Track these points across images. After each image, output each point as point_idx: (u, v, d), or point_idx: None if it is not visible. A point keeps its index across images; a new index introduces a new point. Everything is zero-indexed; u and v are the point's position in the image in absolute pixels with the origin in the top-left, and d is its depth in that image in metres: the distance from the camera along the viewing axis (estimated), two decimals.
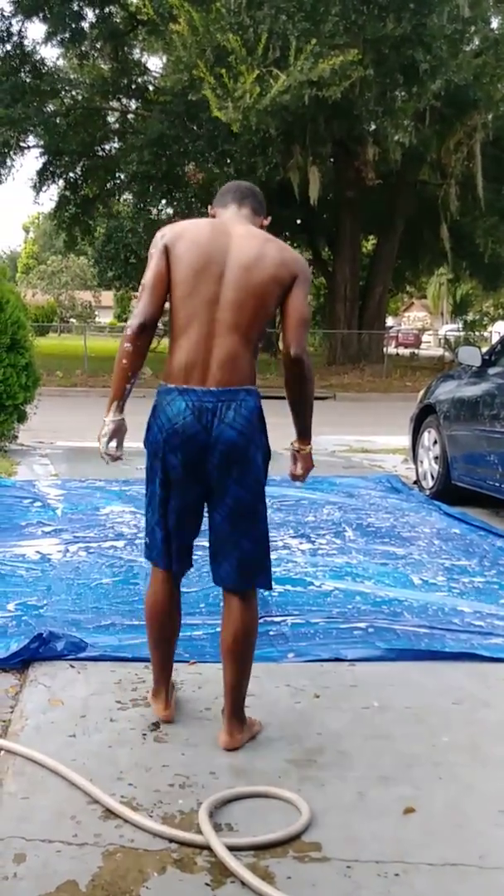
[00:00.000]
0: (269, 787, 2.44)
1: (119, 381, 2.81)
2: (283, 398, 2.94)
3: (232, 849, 2.11)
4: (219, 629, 3.66)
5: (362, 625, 3.78)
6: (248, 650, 2.74)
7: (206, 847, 2.14)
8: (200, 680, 3.19)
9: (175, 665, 2.99)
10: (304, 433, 2.95)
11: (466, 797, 2.46)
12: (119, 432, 2.86)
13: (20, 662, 3.26)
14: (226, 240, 2.71)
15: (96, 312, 58.75)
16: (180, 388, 2.69)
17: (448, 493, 6.78)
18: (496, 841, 2.24)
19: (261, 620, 3.77)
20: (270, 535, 5.75)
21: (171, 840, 2.18)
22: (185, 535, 2.80)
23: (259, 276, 2.66)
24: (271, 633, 3.66)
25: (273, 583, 2.85)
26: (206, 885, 2.01)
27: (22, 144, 23.95)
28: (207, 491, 2.71)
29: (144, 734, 2.77)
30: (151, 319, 2.77)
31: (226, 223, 2.80)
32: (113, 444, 2.83)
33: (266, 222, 2.91)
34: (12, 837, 2.16)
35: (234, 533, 2.69)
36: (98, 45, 24.44)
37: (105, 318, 61.38)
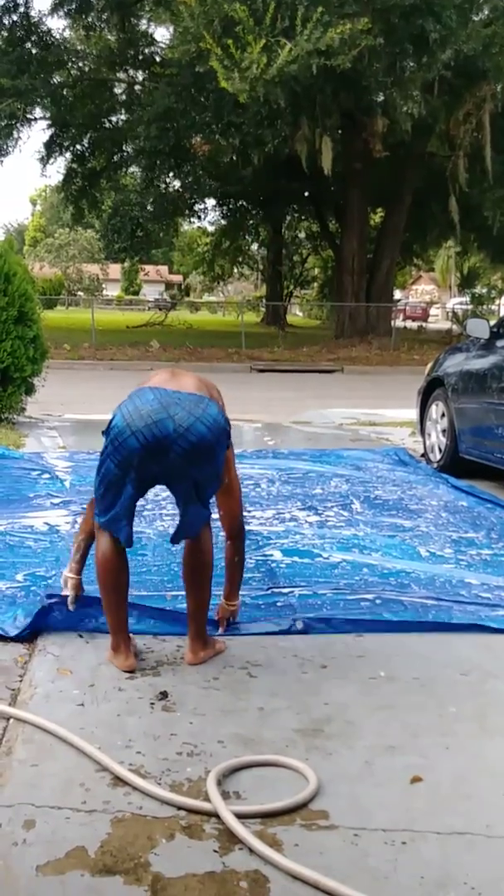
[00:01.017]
0: (276, 756, 2.45)
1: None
2: (291, 371, 2.92)
3: (240, 816, 2.13)
4: (217, 600, 3.72)
5: (370, 596, 3.78)
6: (204, 579, 3.09)
7: (214, 814, 2.15)
8: None
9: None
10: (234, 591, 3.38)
11: (473, 767, 2.47)
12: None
13: (29, 632, 3.27)
14: None
15: (104, 285, 58.61)
16: None
17: (456, 465, 6.77)
18: (503, 810, 2.24)
19: (268, 591, 3.81)
20: (279, 507, 5.81)
21: (179, 807, 2.19)
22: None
23: None
24: (279, 604, 3.67)
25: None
26: (214, 851, 2.02)
27: (28, 116, 23.75)
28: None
29: (152, 703, 2.78)
30: None
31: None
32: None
33: None
34: (22, 804, 2.18)
35: None
36: (105, 16, 24.16)
37: (112, 291, 61.26)
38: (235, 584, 3.37)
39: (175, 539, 3.10)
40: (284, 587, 3.87)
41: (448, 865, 2.01)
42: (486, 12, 19.19)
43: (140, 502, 5.47)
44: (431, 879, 1.95)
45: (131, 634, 3.14)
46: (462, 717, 2.77)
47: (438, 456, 7.11)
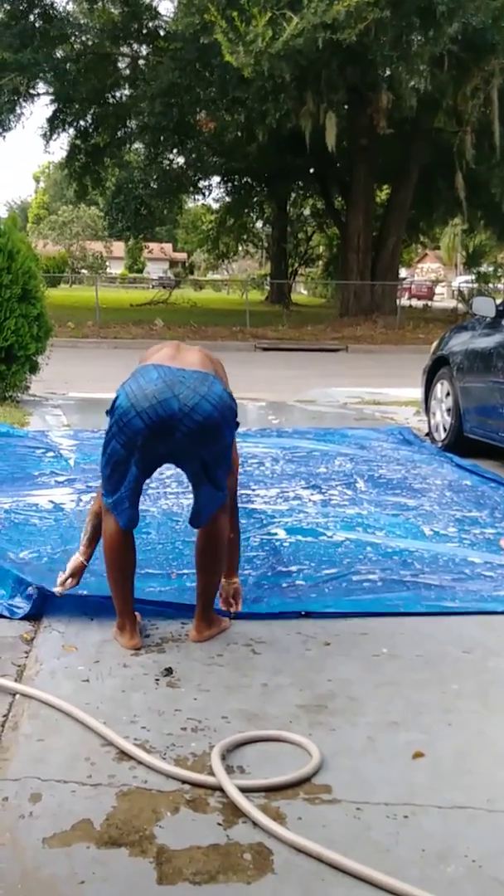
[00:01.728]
0: (280, 731, 2.48)
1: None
2: (296, 350, 2.91)
3: (244, 790, 2.15)
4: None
5: (373, 576, 3.80)
6: (216, 562, 3.10)
7: (219, 788, 2.17)
8: None
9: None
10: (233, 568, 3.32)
11: (475, 743, 2.49)
12: None
13: (34, 608, 3.29)
14: None
15: (107, 263, 58.39)
16: None
17: (460, 444, 6.77)
18: None
19: (271, 572, 3.83)
20: (283, 486, 5.80)
21: (183, 781, 2.21)
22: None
23: None
24: (283, 584, 3.69)
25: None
26: (219, 824, 2.05)
27: (31, 91, 23.58)
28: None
29: (157, 679, 2.80)
30: None
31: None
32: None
33: None
34: (28, 778, 2.20)
35: None
36: None
37: (116, 269, 61.05)
38: (234, 562, 3.35)
39: (193, 523, 3.08)
40: (288, 567, 3.89)
41: (449, 839, 2.03)
42: None
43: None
44: (432, 852, 1.97)
45: (137, 613, 3.15)
46: (464, 694, 2.79)
47: (443, 435, 7.11)
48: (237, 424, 3.00)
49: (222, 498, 3.03)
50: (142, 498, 5.00)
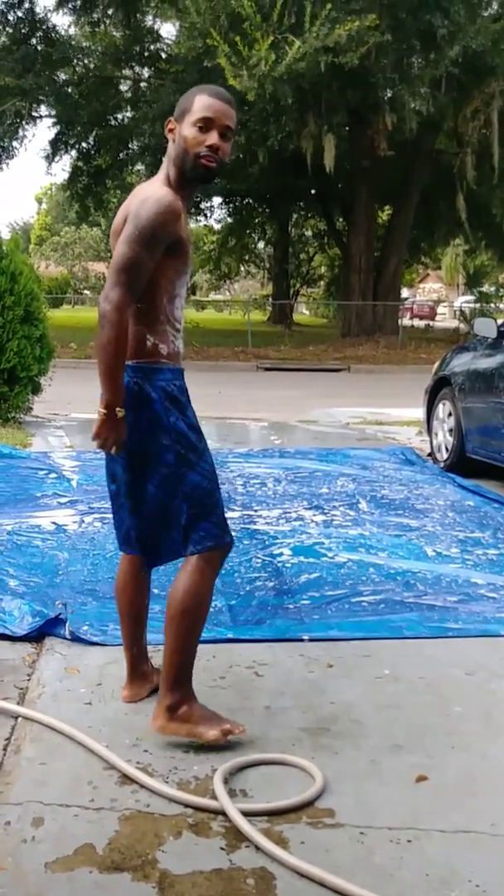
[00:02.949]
0: (283, 755, 2.47)
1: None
2: (298, 370, 2.92)
3: (246, 814, 2.14)
4: (231, 601, 3.71)
5: (376, 597, 3.80)
6: (179, 618, 2.52)
7: (221, 812, 2.17)
8: (215, 650, 3.22)
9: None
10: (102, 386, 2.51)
11: (479, 766, 2.48)
12: None
13: (37, 631, 3.30)
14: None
15: None
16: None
17: (462, 465, 6.77)
18: None
19: (273, 593, 3.82)
20: (285, 506, 5.76)
21: (186, 805, 2.21)
22: None
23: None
24: (286, 606, 3.69)
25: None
26: (221, 849, 2.04)
27: (34, 114, 23.81)
28: None
29: None
30: None
31: None
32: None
33: (167, 128, 2.60)
34: (30, 802, 2.20)
35: None
36: (110, 12, 24.15)
37: None
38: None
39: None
40: (291, 588, 3.89)
41: (453, 863, 2.02)
42: (496, 7, 19.16)
43: None
44: (436, 877, 1.96)
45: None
46: (467, 716, 2.79)
47: (445, 455, 7.11)
48: None
49: (175, 539, 2.63)
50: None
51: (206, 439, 2.63)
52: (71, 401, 10.80)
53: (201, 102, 2.51)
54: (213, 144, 2.49)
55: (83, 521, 4.92)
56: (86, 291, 52.47)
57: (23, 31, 22.71)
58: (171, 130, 2.56)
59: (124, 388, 2.47)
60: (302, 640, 3.34)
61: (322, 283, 43.33)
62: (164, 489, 2.55)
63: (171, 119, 2.55)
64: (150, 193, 2.48)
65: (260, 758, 2.45)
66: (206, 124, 2.49)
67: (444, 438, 7.19)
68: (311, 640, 3.35)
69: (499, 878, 1.97)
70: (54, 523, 4.85)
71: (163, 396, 2.53)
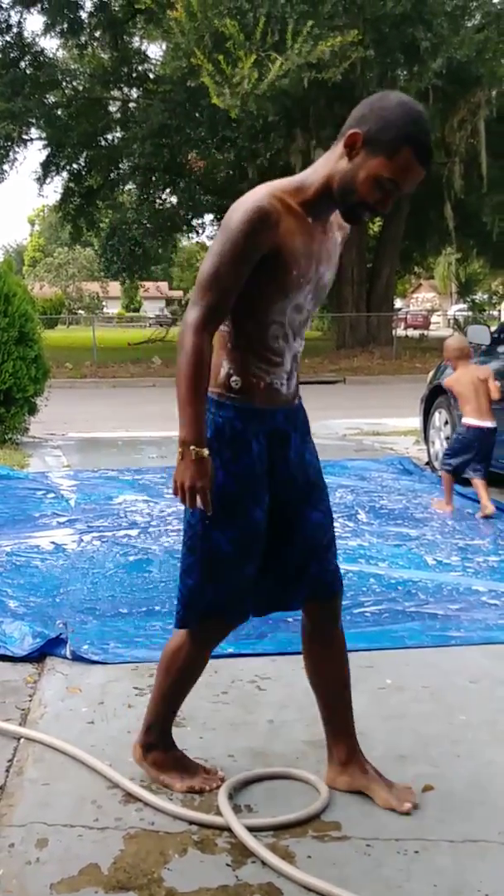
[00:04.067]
0: (287, 768, 2.45)
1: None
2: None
3: (251, 829, 2.13)
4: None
5: (378, 608, 3.79)
6: (160, 670, 2.41)
7: (226, 828, 2.15)
8: (217, 664, 3.20)
9: None
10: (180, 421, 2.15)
11: (485, 774, 2.46)
12: None
13: (38, 651, 3.28)
14: None
15: (104, 303, 58.79)
16: None
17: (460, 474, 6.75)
18: None
19: None
20: None
21: (191, 822, 2.19)
22: None
23: None
24: (288, 619, 3.67)
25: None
26: (227, 865, 2.03)
27: (24, 137, 23.93)
28: None
29: None
30: None
31: None
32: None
33: (351, 139, 2.05)
34: (34, 823, 2.18)
35: None
36: (97, 34, 24.35)
37: (113, 309, 61.43)
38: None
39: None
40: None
41: (461, 873, 2.01)
42: (478, 18, 19.27)
43: (145, 519, 5.53)
44: (445, 887, 1.95)
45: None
46: (472, 724, 2.77)
47: None
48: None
49: (183, 588, 2.33)
50: (143, 536, 5.03)
51: (263, 503, 2.21)
52: (67, 420, 10.82)
53: (407, 162, 2.01)
54: (386, 208, 2.10)
55: (82, 540, 4.91)
56: (80, 311, 52.58)
57: (11, 55, 22.89)
58: (354, 145, 2.03)
59: (193, 416, 2.09)
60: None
61: None
62: (187, 532, 2.27)
63: (360, 133, 2.02)
64: (244, 198, 2.09)
65: (264, 772, 2.43)
66: (396, 187, 2.05)
67: (441, 447, 7.18)
68: None
69: None
70: (53, 543, 4.85)
71: (214, 435, 2.15)
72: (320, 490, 2.35)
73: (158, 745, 2.41)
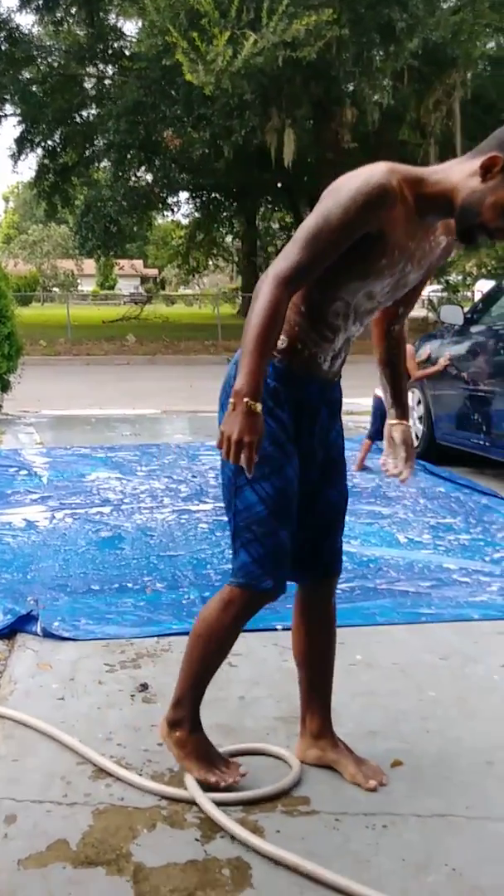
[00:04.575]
0: (260, 744, 2.46)
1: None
2: None
3: (220, 804, 2.13)
4: (204, 594, 3.69)
5: (349, 585, 3.79)
6: (191, 640, 2.30)
7: (194, 802, 2.15)
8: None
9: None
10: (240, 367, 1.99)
11: (454, 750, 2.48)
12: None
13: (8, 628, 3.26)
14: None
15: (79, 281, 58.36)
16: None
17: (432, 452, 6.80)
18: (483, 791, 2.26)
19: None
20: None
21: (160, 797, 2.19)
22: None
23: None
24: None
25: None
26: (196, 840, 2.03)
27: None
28: None
29: (133, 695, 2.78)
30: None
31: None
32: None
33: (491, 161, 1.97)
34: (3, 799, 2.17)
35: None
36: (73, 11, 23.99)
37: (88, 287, 61.03)
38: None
39: None
40: None
41: (429, 847, 2.02)
42: (454, 0, 19.21)
43: (117, 496, 5.51)
44: (412, 862, 1.96)
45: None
46: (442, 701, 2.79)
47: (415, 443, 7.12)
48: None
49: (234, 564, 2.22)
50: (115, 513, 5.01)
51: (293, 463, 2.14)
52: (41, 398, 10.74)
53: None
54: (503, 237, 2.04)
55: (54, 517, 4.89)
56: (54, 289, 52.16)
57: None
58: (491, 168, 1.96)
59: (254, 366, 1.94)
60: (276, 630, 3.33)
61: None
62: (223, 495, 2.22)
63: (502, 158, 1.94)
64: (366, 169, 2.01)
65: (236, 748, 2.43)
66: None
67: (413, 426, 7.20)
68: (285, 629, 3.33)
69: (475, 860, 1.97)
70: (25, 520, 4.82)
71: None
72: (339, 469, 2.32)
73: (184, 724, 2.29)
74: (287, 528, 2.14)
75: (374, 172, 1.97)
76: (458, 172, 2.02)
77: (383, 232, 1.99)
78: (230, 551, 2.27)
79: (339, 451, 2.31)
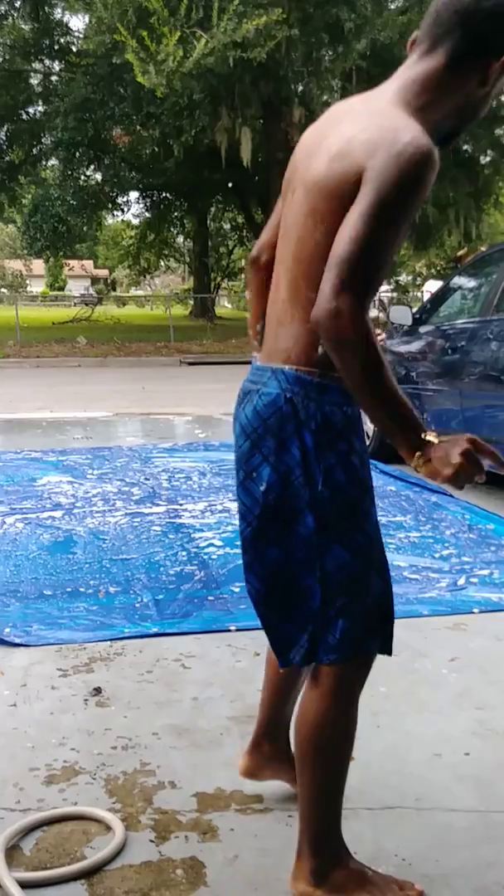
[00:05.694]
0: (78, 808, 2.16)
1: None
2: (221, 363, 2.75)
3: (25, 885, 1.86)
4: (158, 596, 3.70)
5: None
6: (308, 758, 1.80)
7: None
8: (141, 644, 3.21)
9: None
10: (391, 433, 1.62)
11: (403, 743, 2.53)
12: None
13: None
14: (324, 131, 1.80)
15: (28, 282, 57.76)
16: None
17: (383, 451, 6.86)
18: (432, 783, 2.31)
19: (200, 586, 3.82)
20: (210, 499, 5.74)
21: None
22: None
23: (313, 176, 1.68)
24: (212, 598, 3.70)
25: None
26: (151, 841, 2.04)
27: None
28: None
29: (86, 699, 2.78)
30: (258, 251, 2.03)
31: (345, 102, 1.86)
32: None
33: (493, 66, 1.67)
34: None
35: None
36: (17, 5, 23.74)
37: (37, 288, 60.43)
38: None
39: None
40: (217, 580, 3.90)
41: (380, 839, 2.06)
42: (401, 0, 19.38)
43: (69, 500, 5.49)
44: (364, 854, 2.00)
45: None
46: (392, 696, 2.84)
47: (367, 441, 7.19)
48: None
49: (291, 633, 1.77)
50: (67, 518, 4.99)
51: (372, 496, 1.79)
52: None
53: None
54: None
55: (4, 522, 4.86)
56: (3, 290, 51.56)
57: None
58: (489, 69, 1.66)
59: (406, 413, 1.59)
60: (229, 631, 3.36)
61: (243, 275, 43.41)
62: (293, 558, 1.72)
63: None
64: (408, 140, 1.51)
65: (50, 815, 2.12)
66: None
67: (365, 425, 7.27)
68: (238, 629, 3.37)
69: (424, 851, 2.02)
70: None
71: (322, 426, 1.67)
72: None
73: (335, 865, 1.81)
74: (385, 576, 1.78)
75: (423, 142, 1.52)
76: (452, 88, 1.73)
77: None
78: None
79: None
